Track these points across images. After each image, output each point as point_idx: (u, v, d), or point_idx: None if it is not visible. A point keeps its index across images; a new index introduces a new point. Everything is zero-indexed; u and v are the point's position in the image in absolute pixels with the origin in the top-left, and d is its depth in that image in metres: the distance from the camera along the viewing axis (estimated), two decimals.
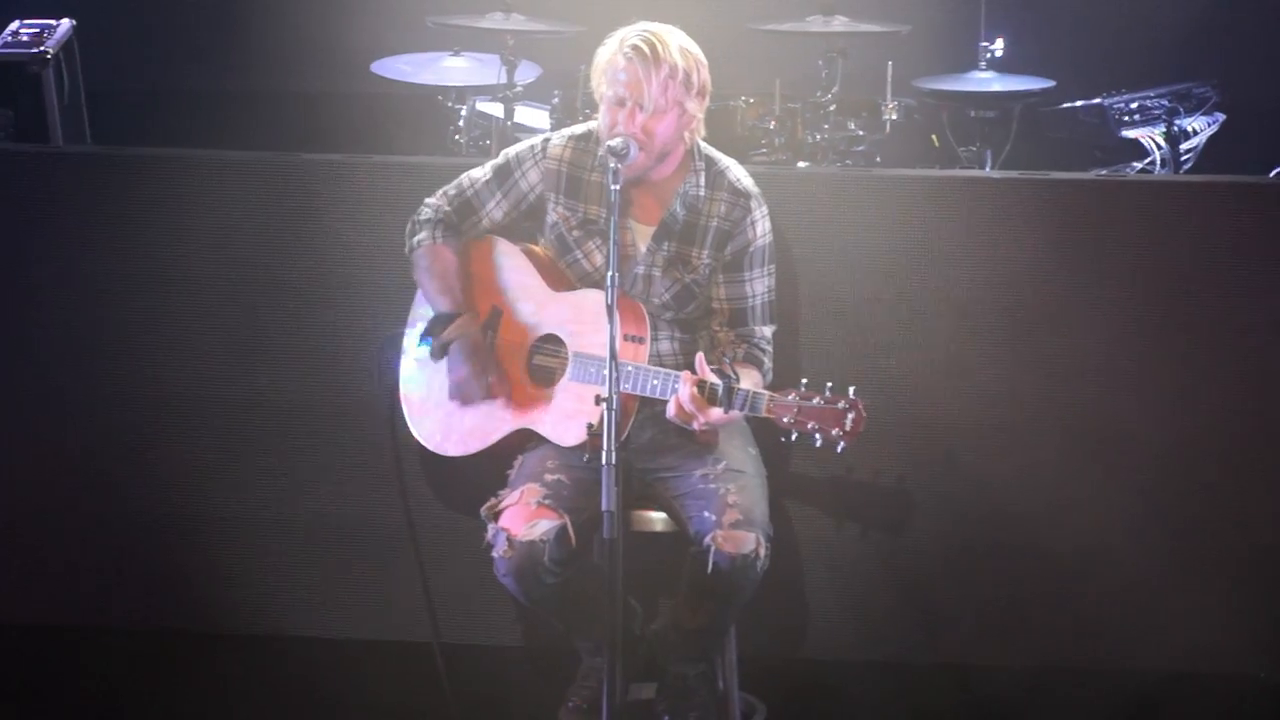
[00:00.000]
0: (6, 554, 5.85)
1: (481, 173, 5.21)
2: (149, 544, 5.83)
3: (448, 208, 5.18)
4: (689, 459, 5.03)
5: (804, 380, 4.83)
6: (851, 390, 4.79)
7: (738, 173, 5.16)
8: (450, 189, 5.21)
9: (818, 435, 4.78)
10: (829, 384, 4.80)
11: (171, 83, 8.81)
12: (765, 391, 4.83)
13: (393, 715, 5.47)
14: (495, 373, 5.09)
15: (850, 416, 4.77)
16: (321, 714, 5.47)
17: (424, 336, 5.11)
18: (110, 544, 5.83)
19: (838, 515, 5.71)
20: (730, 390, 4.81)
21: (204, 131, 8.20)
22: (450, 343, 5.08)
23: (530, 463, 5.07)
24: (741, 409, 4.82)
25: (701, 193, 5.11)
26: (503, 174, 5.18)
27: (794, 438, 4.81)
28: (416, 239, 5.18)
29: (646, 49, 4.96)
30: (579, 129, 5.21)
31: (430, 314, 5.15)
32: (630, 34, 5.01)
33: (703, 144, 5.14)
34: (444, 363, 5.14)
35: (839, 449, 4.79)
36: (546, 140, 5.20)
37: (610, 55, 5.02)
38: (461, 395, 5.11)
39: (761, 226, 5.15)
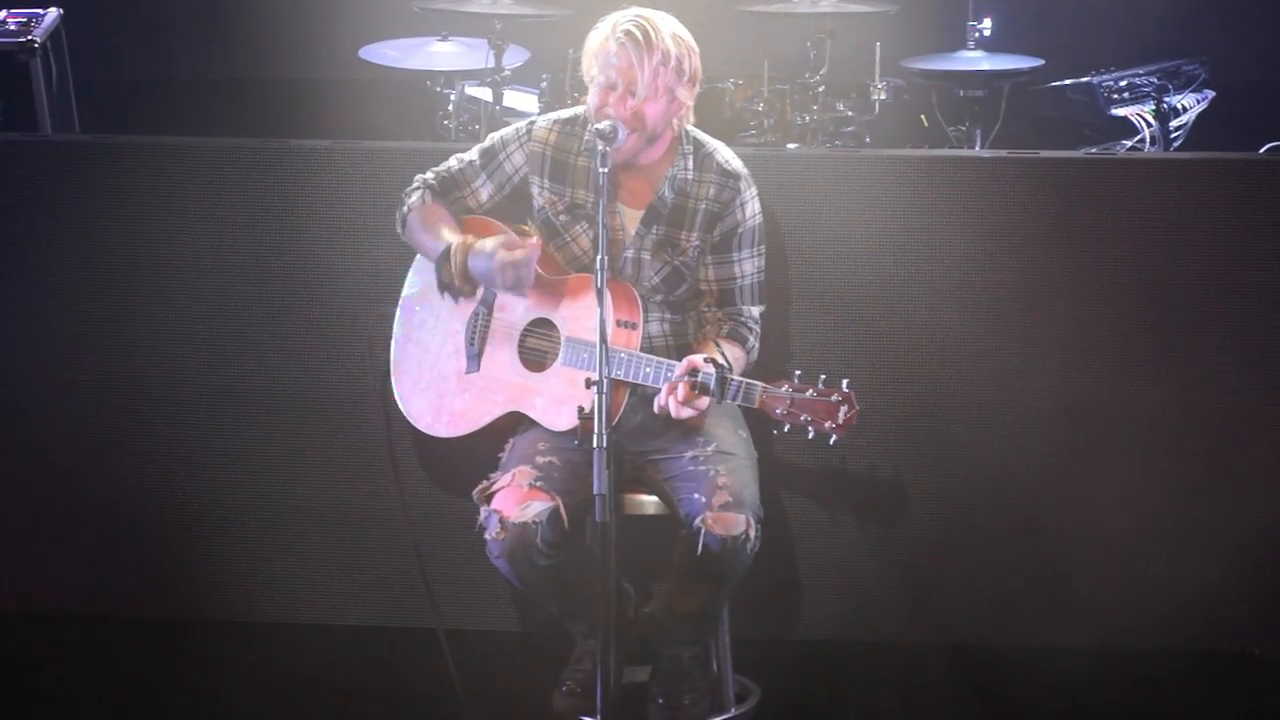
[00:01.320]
0: (3, 545, 5.85)
1: (469, 154, 5.22)
2: (142, 534, 5.83)
3: (434, 180, 5.19)
4: (679, 441, 5.04)
5: (797, 371, 4.83)
6: (845, 383, 4.79)
7: (726, 154, 5.16)
8: (438, 167, 5.23)
9: (810, 427, 4.78)
10: (823, 376, 4.80)
11: (160, 70, 8.81)
12: (759, 383, 4.83)
13: (388, 700, 5.47)
14: (518, 241, 5.02)
15: (844, 409, 4.78)
16: (318, 700, 5.47)
17: (440, 284, 5.06)
18: (104, 534, 5.83)
19: (831, 496, 5.71)
20: (723, 381, 4.81)
21: (192, 119, 8.20)
22: (463, 265, 5.03)
23: (522, 445, 5.07)
24: (734, 399, 4.83)
25: (690, 175, 5.11)
26: (488, 156, 5.19)
27: (786, 429, 4.81)
28: (407, 205, 5.18)
29: (639, 35, 4.95)
30: (565, 113, 5.21)
31: (415, 296, 5.15)
32: (623, 19, 4.99)
33: (690, 128, 5.14)
34: (436, 339, 5.14)
35: (831, 441, 4.80)
36: (532, 123, 5.20)
37: (602, 39, 5.01)
38: (515, 280, 4.96)
39: (751, 208, 5.15)
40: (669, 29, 5.00)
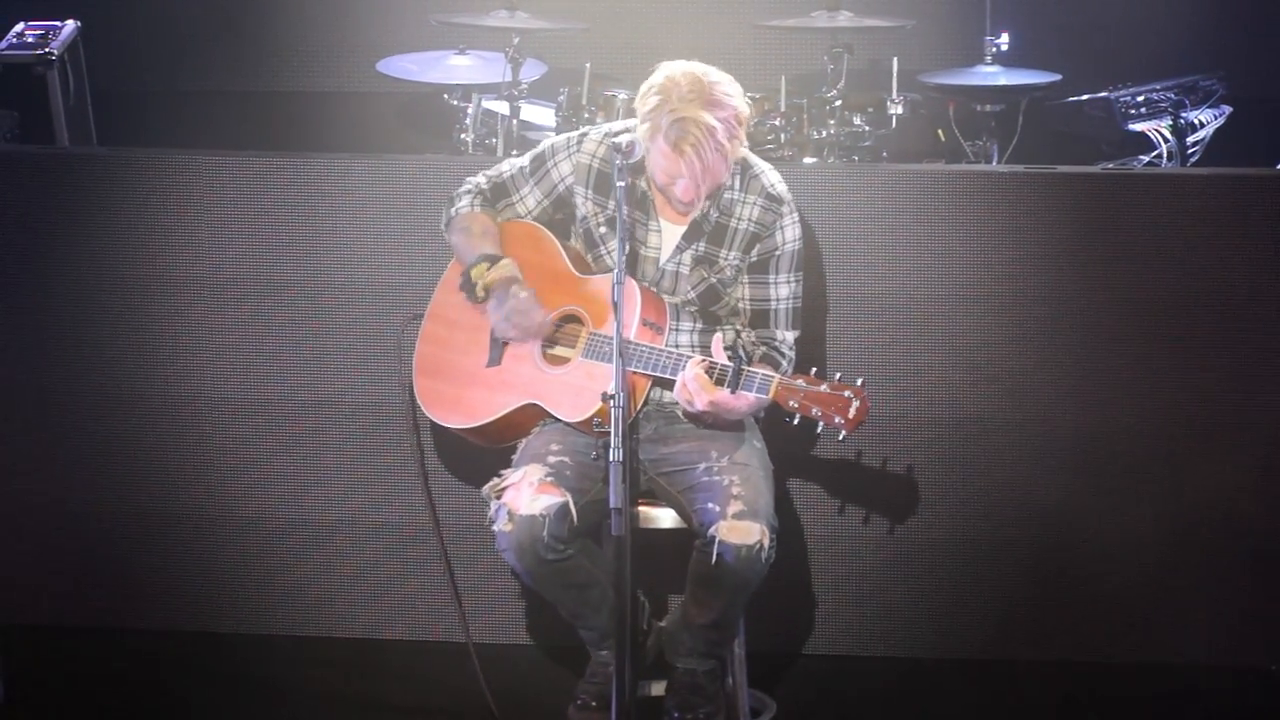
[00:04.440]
0: (21, 554, 5.86)
1: (521, 160, 5.23)
2: (167, 546, 5.83)
3: (485, 185, 5.20)
4: (693, 452, 5.04)
5: (814, 368, 4.84)
6: (859, 380, 4.80)
7: (772, 178, 5.15)
8: (490, 171, 5.24)
9: (821, 420, 4.80)
10: (838, 374, 4.82)
11: (177, 83, 8.81)
12: (774, 374, 4.84)
13: (416, 715, 5.46)
14: (542, 308, 5.05)
15: (854, 405, 4.79)
16: (341, 714, 5.47)
17: (465, 276, 5.07)
18: (127, 547, 5.84)
19: (848, 510, 5.71)
20: (739, 372, 4.82)
21: (210, 132, 8.21)
22: (494, 282, 5.04)
23: (534, 444, 5.08)
24: (750, 390, 4.82)
25: (735, 195, 5.11)
26: (537, 163, 5.19)
27: (797, 420, 4.81)
28: (455, 208, 5.20)
29: (691, 149, 4.85)
30: (618, 126, 5.20)
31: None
32: (676, 115, 4.86)
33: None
34: (460, 336, 5.15)
35: (841, 436, 4.80)
36: (584, 134, 5.20)
37: (654, 127, 4.89)
38: (513, 326, 5.03)
39: (791, 232, 5.14)
40: (722, 123, 4.88)
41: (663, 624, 5.24)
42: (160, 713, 5.45)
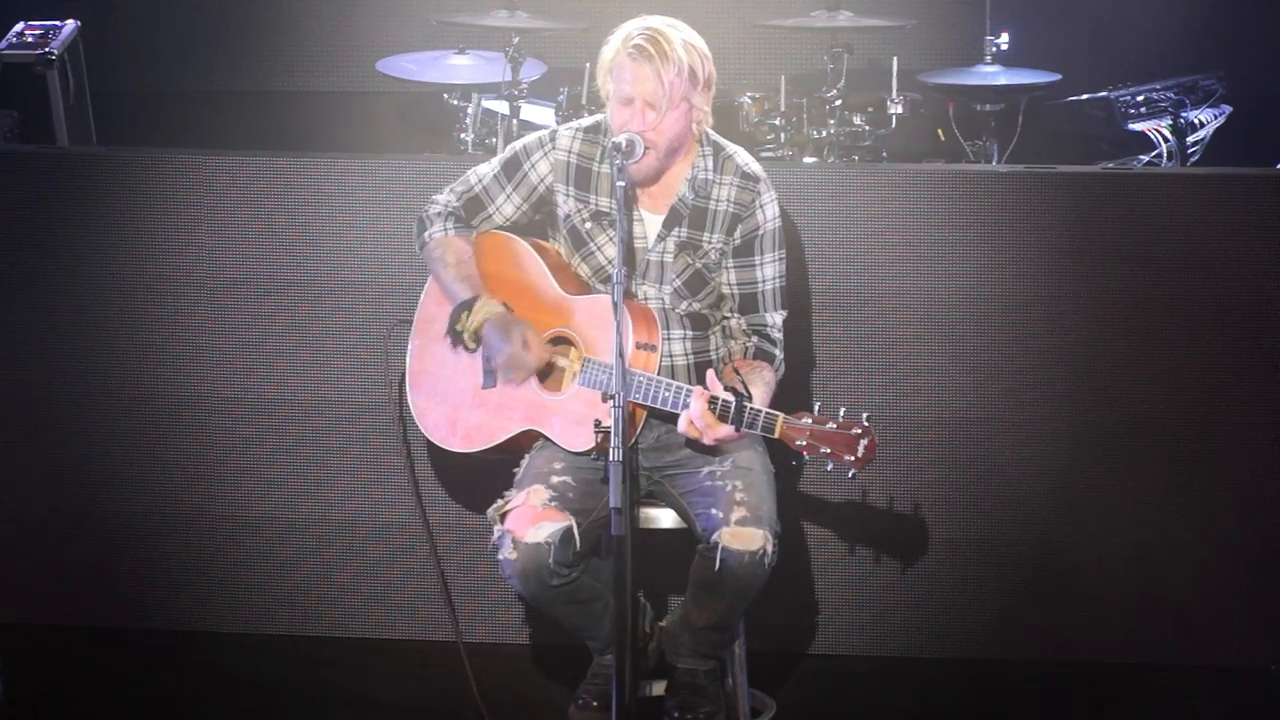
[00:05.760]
0: (21, 554, 5.85)
1: (488, 168, 5.18)
2: (159, 546, 5.83)
3: (456, 203, 5.16)
4: (695, 457, 5.03)
5: (818, 403, 4.81)
6: (865, 416, 4.77)
7: (745, 157, 5.14)
8: (458, 186, 5.19)
9: (830, 460, 4.77)
10: (843, 408, 4.79)
11: (177, 83, 8.82)
12: (779, 413, 4.81)
13: (407, 713, 5.46)
14: (537, 343, 5.02)
15: (863, 443, 4.76)
16: (334, 712, 5.46)
17: (451, 330, 5.06)
18: (121, 546, 5.84)
19: (846, 511, 5.71)
20: (741, 409, 4.80)
21: (209, 131, 8.22)
22: (480, 326, 5.05)
23: (537, 463, 5.05)
24: (753, 428, 4.81)
25: (709, 176, 5.10)
26: (511, 167, 5.16)
27: (805, 460, 4.80)
28: (428, 233, 5.15)
29: (650, 48, 4.93)
30: (586, 122, 5.19)
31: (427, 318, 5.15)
32: (634, 31, 4.97)
33: (709, 131, 5.12)
34: (456, 356, 5.12)
35: (850, 475, 4.78)
36: (554, 133, 5.17)
37: (614, 54, 4.98)
38: (512, 373, 5.02)
39: (770, 210, 5.13)
40: (679, 37, 4.97)
41: (663, 624, 5.24)
42: (160, 713, 5.45)
